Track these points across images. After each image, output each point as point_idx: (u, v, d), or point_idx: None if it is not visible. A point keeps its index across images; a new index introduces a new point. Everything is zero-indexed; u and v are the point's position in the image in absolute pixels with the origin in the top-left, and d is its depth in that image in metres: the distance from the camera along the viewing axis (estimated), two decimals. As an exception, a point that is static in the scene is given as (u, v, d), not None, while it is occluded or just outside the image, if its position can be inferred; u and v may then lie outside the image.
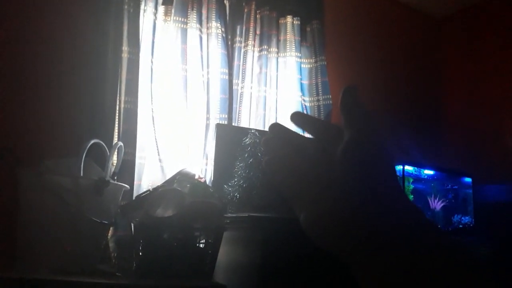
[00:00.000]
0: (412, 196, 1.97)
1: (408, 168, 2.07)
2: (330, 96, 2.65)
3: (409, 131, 2.87)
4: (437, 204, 2.11)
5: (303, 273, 1.59)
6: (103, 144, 1.73)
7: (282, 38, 2.66)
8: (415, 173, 2.08)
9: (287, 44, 2.66)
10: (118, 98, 2.07)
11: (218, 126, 2.03)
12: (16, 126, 1.89)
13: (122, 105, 2.07)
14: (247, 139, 1.73)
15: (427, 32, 3.47)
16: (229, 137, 1.92)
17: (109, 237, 1.66)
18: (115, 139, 2.01)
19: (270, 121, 2.48)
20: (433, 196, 2.11)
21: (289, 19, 2.67)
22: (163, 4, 2.32)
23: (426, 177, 2.13)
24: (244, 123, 2.39)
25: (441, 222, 2.06)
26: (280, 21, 2.67)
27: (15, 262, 1.52)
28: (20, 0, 1.96)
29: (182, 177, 1.60)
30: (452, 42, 3.41)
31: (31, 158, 1.75)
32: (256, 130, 1.84)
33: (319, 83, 2.68)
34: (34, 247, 1.50)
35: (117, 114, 2.06)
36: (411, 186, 1.99)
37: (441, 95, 3.34)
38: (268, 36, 2.60)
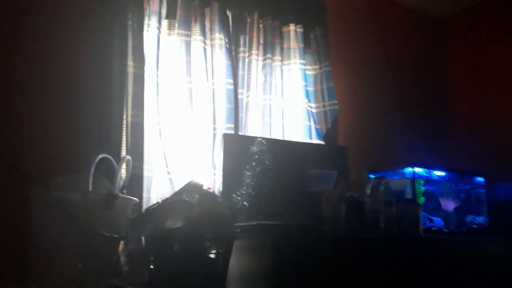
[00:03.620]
0: (423, 199, 1.95)
1: (418, 170, 2.04)
2: (336, 101, 2.65)
3: (417, 132, 2.85)
4: (449, 205, 2.08)
5: (314, 280, 1.57)
6: (111, 158, 1.73)
7: (285, 46, 2.67)
8: (426, 175, 2.06)
9: (291, 51, 2.66)
10: (124, 112, 2.09)
11: (225, 136, 2.04)
12: (24, 144, 1.90)
13: (129, 119, 2.08)
14: (254, 148, 1.73)
15: (429, 33, 3.45)
16: (236, 147, 1.92)
17: (120, 251, 1.66)
18: (123, 153, 2.02)
19: (277, 129, 2.48)
20: (445, 197, 2.08)
21: (292, 27, 2.68)
22: (166, 18, 2.34)
23: (437, 178, 2.11)
24: (250, 132, 2.39)
25: (455, 223, 2.03)
26: (283, 29, 2.68)
27: (28, 280, 1.53)
28: (27, 19, 1.99)
29: (190, 188, 1.60)
30: (456, 42, 3.40)
31: (40, 175, 1.77)
32: (263, 138, 1.84)
33: (325, 89, 2.67)
34: (46, 265, 1.50)
35: (124, 128, 2.07)
36: (422, 188, 1.96)
37: (448, 95, 3.31)
38: (272, 44, 2.61)
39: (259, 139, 1.75)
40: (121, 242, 1.66)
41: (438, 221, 1.95)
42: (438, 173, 2.14)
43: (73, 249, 1.54)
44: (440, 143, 3.03)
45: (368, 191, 1.72)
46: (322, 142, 2.53)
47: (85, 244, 1.54)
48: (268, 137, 2.38)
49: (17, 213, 1.72)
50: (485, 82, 3.11)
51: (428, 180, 2.03)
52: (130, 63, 2.15)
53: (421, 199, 1.92)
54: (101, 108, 2.05)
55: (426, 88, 3.27)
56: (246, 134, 2.33)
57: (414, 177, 1.94)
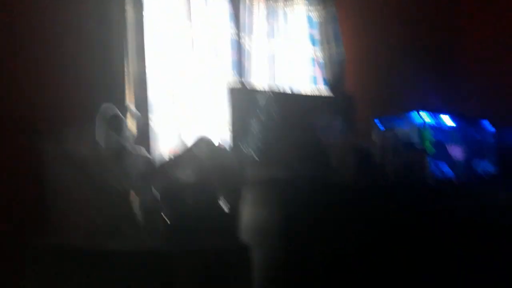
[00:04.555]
0: (431, 147, 1.93)
1: (425, 116, 2.02)
2: (342, 45, 2.58)
3: (427, 76, 2.78)
4: (458, 153, 2.07)
5: (324, 231, 1.62)
6: (118, 112, 1.71)
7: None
8: (434, 122, 2.03)
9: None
10: (125, 61, 2.02)
11: (232, 90, 1.99)
12: (33, 99, 1.88)
13: (131, 69, 2.02)
14: (261, 101, 1.71)
15: None
16: (243, 100, 1.88)
17: (132, 204, 1.69)
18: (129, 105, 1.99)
19: (281, 75, 2.44)
20: (454, 145, 2.06)
21: (294, -36, 2.55)
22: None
23: (446, 126, 2.08)
24: (255, 80, 2.35)
25: (463, 172, 2.03)
26: (285, -31, 2.55)
27: (45, 235, 1.57)
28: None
29: (200, 142, 1.59)
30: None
31: (49, 128, 1.76)
32: (270, 91, 1.81)
33: (330, 32, 2.59)
34: (61, 220, 1.53)
35: (126, 78, 2.02)
36: (431, 137, 1.95)
37: (461, 31, 3.12)
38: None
39: (266, 92, 1.72)
40: (134, 196, 1.68)
41: (446, 169, 1.96)
42: (447, 121, 2.11)
43: (86, 203, 1.56)
44: (450, 88, 2.94)
45: (376, 140, 1.72)
46: (327, 89, 2.49)
47: (97, 197, 1.56)
48: (273, 85, 2.34)
49: (31, 169, 1.72)
50: (501, 20, 2.95)
51: (437, 128, 2.02)
52: (129, 7, 2.06)
53: (430, 148, 1.92)
54: (102, 57, 1.99)
55: (437, 28, 3.12)
56: (252, 87, 2.28)
57: (423, 125, 1.92)
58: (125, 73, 2.01)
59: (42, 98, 1.89)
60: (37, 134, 1.69)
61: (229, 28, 2.31)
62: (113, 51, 2.00)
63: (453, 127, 2.10)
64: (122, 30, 2.02)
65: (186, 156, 1.55)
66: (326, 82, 2.53)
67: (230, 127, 1.89)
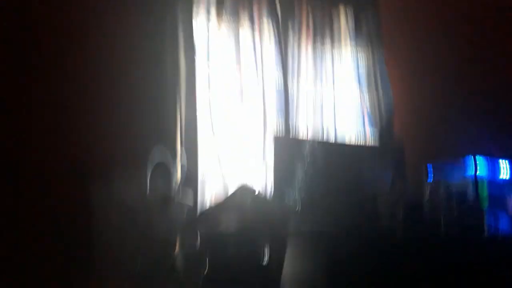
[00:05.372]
0: (487, 202, 1.81)
1: (480, 164, 1.90)
2: (390, 86, 2.53)
3: (481, 121, 2.65)
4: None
5: (369, 286, 1.54)
6: (166, 158, 1.75)
7: (335, 28, 2.56)
8: (489, 171, 1.91)
9: (342, 34, 2.56)
10: (178, 107, 2.07)
11: (276, 139, 1.99)
12: (84, 141, 1.94)
13: (183, 115, 2.07)
14: (306, 150, 1.69)
15: (497, 9, 3.13)
16: (288, 150, 1.87)
17: (175, 253, 1.70)
18: (178, 148, 2.02)
19: (328, 118, 2.41)
20: (510, 200, 1.93)
21: (342, 8, 2.56)
22: (215, 6, 2.28)
23: (502, 180, 1.95)
24: (301, 125, 2.33)
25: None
26: (332, 12, 2.57)
27: (90, 279, 1.60)
28: (94, 19, 2.00)
29: (243, 192, 1.59)
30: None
31: (100, 172, 1.81)
32: (315, 139, 1.79)
33: (378, 74, 2.56)
34: (106, 265, 1.57)
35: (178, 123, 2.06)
36: (486, 191, 1.83)
37: None
38: (321, 28, 2.51)
39: (311, 141, 1.71)
40: (177, 244, 1.69)
41: (504, 226, 1.82)
42: (503, 173, 1.97)
43: (131, 250, 1.59)
44: (507, 133, 2.78)
45: (428, 194, 1.65)
46: (375, 134, 2.43)
47: (142, 245, 1.59)
48: (319, 133, 2.31)
49: (79, 212, 1.78)
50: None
51: (492, 182, 1.89)
52: (181, 54, 2.14)
53: (485, 203, 1.81)
54: (155, 103, 2.05)
55: (494, 67, 2.99)
56: (297, 135, 2.26)
57: (477, 178, 1.82)
58: (177, 119, 2.06)
59: (94, 142, 1.96)
60: (88, 178, 1.75)
61: (276, 74, 2.33)
62: (165, 97, 2.06)
63: (510, 181, 1.96)
64: (175, 76, 2.09)
65: (227, 204, 1.55)
66: (374, 127, 2.47)
67: (274, 176, 1.88)
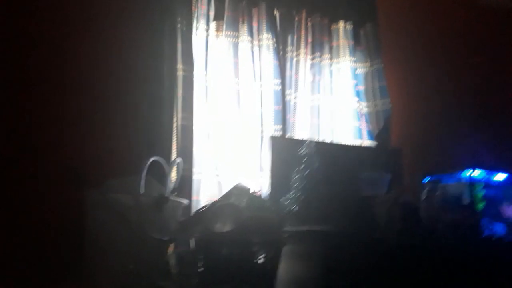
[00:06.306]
0: (483, 204, 1.82)
1: (477, 173, 1.91)
2: (389, 100, 2.55)
3: (477, 133, 2.67)
4: (510, 212, 1.93)
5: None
6: (163, 160, 1.76)
7: (334, 44, 2.61)
8: (485, 178, 1.92)
9: (341, 49, 2.60)
10: (175, 115, 2.13)
11: (272, 138, 2.01)
12: (79, 147, 1.98)
13: (179, 122, 2.13)
14: (303, 151, 1.70)
15: (495, 23, 3.17)
16: (284, 149, 1.90)
17: (169, 253, 1.69)
18: (173, 155, 2.06)
19: (326, 130, 2.43)
20: (507, 202, 1.93)
21: (341, 24, 2.61)
22: (214, 19, 2.35)
23: (497, 182, 1.96)
24: (298, 134, 2.36)
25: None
26: (332, 27, 2.62)
27: (82, 280, 1.59)
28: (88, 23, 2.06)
29: (238, 191, 1.60)
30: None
31: (94, 178, 1.82)
32: (311, 141, 1.80)
33: (376, 88, 2.59)
34: (99, 265, 1.56)
35: (174, 131, 2.11)
36: (482, 193, 1.83)
37: None
38: (320, 43, 2.56)
39: (307, 142, 1.72)
40: (171, 245, 1.69)
41: (499, 229, 1.82)
42: (499, 176, 1.98)
43: (125, 250, 1.58)
44: (503, 145, 2.80)
45: (423, 196, 1.64)
46: (373, 144, 2.45)
47: (136, 245, 1.58)
48: (317, 139, 2.34)
49: (73, 215, 1.79)
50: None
51: (488, 184, 1.89)
52: (179, 66, 2.19)
53: (480, 205, 1.80)
54: (152, 112, 2.10)
55: (490, 82, 3.03)
56: (294, 137, 2.30)
57: (473, 181, 1.82)
58: (173, 126, 2.10)
59: (91, 149, 1.99)
60: (84, 184, 1.77)
61: (274, 83, 2.36)
62: (163, 105, 2.10)
63: (505, 184, 1.96)
64: (172, 85, 2.14)
65: (221, 204, 1.55)
66: (371, 135, 2.48)
67: (270, 176, 1.89)
